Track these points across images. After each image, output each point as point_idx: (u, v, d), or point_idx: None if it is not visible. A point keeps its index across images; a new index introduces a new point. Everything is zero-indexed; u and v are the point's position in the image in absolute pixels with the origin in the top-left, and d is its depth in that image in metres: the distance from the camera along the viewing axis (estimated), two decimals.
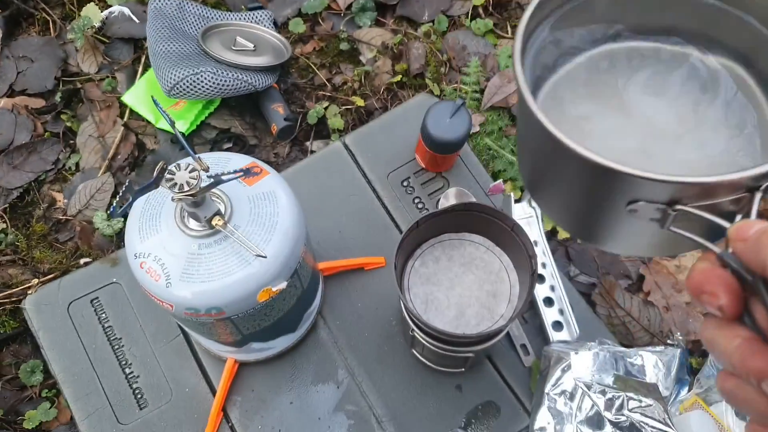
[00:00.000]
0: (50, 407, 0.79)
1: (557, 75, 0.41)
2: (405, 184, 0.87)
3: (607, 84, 0.40)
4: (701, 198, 0.29)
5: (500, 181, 0.84)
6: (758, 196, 0.29)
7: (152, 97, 0.53)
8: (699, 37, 0.39)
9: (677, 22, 0.39)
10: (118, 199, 0.45)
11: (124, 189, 0.45)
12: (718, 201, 0.29)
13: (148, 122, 0.97)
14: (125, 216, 0.57)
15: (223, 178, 0.48)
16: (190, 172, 0.49)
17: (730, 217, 0.30)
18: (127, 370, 0.77)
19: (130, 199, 0.47)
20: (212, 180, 0.49)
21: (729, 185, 0.29)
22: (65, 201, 0.92)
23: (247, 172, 0.48)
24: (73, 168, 0.95)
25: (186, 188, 0.49)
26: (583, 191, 0.35)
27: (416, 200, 0.86)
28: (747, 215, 0.29)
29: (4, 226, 0.90)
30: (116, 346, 0.78)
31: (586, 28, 0.41)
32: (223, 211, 0.55)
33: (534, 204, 0.81)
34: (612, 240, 0.38)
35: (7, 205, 0.91)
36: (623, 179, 0.30)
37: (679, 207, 0.30)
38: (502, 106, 0.96)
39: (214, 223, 0.53)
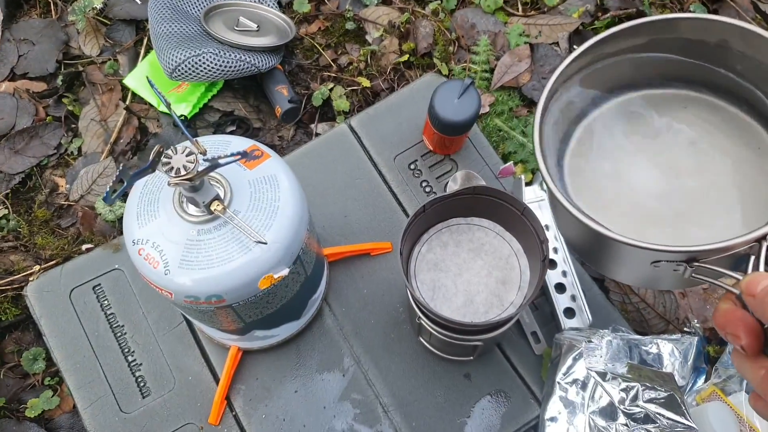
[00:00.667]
0: (53, 395, 0.78)
1: (589, 120, 0.46)
2: (412, 167, 0.85)
3: (638, 131, 0.44)
4: (715, 255, 0.34)
5: (510, 163, 0.82)
6: (765, 245, 0.33)
7: (147, 77, 0.51)
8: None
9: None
10: (112, 183, 0.43)
11: (118, 173, 0.43)
12: (731, 253, 0.34)
13: (151, 106, 0.95)
14: (124, 198, 0.55)
15: (221, 161, 0.46)
16: (187, 155, 0.47)
17: (745, 259, 0.34)
18: (130, 358, 0.76)
19: (125, 184, 0.46)
20: (210, 164, 0.47)
21: (738, 245, 0.33)
22: (67, 186, 0.91)
23: (245, 155, 0.46)
24: (75, 152, 0.94)
25: (183, 172, 0.47)
26: (612, 252, 0.40)
27: (424, 184, 0.84)
28: (756, 265, 0.33)
29: (6, 211, 0.88)
30: (118, 334, 0.77)
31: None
32: (222, 195, 0.53)
33: (545, 187, 0.79)
34: (636, 280, 0.45)
35: (8, 191, 0.90)
36: (646, 251, 0.35)
37: (696, 264, 0.34)
38: (513, 86, 0.93)
39: (213, 208, 0.51)
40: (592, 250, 0.43)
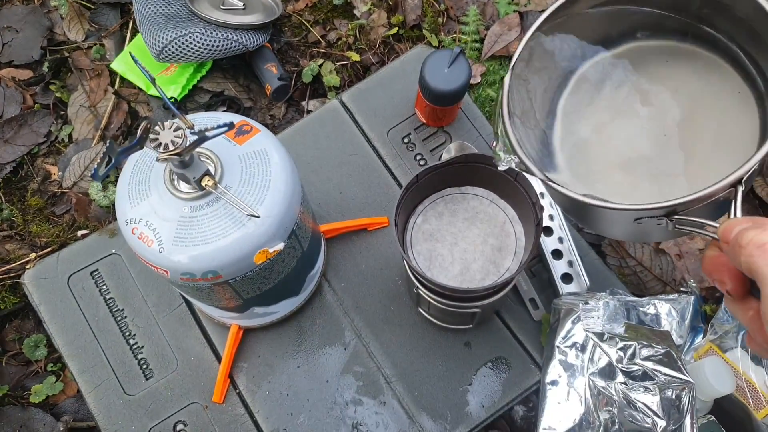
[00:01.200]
0: (56, 381, 0.78)
1: (575, 79, 0.46)
2: (406, 140, 0.84)
3: (622, 85, 0.44)
4: (694, 205, 0.34)
5: None
6: (740, 189, 0.33)
7: (130, 53, 0.51)
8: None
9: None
10: (99, 159, 0.43)
11: (105, 149, 0.43)
12: (711, 201, 0.34)
13: (140, 89, 0.94)
14: (116, 175, 0.55)
15: (208, 134, 0.46)
16: (174, 130, 0.47)
17: (726, 205, 0.34)
18: (131, 341, 0.76)
19: (113, 161, 0.45)
20: (197, 137, 0.47)
21: (712, 193, 0.33)
22: (60, 173, 0.91)
23: (231, 126, 0.46)
24: (66, 139, 0.93)
25: (171, 147, 0.47)
26: (595, 214, 0.41)
27: (418, 157, 0.84)
28: (734, 211, 0.34)
29: None
30: (119, 318, 0.77)
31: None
32: (213, 171, 0.53)
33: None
34: (626, 236, 0.47)
35: (1, 180, 0.89)
36: (626, 212, 0.36)
37: (676, 217, 0.35)
38: (503, 55, 0.92)
39: (204, 183, 0.51)
40: (578, 212, 0.43)
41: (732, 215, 0.33)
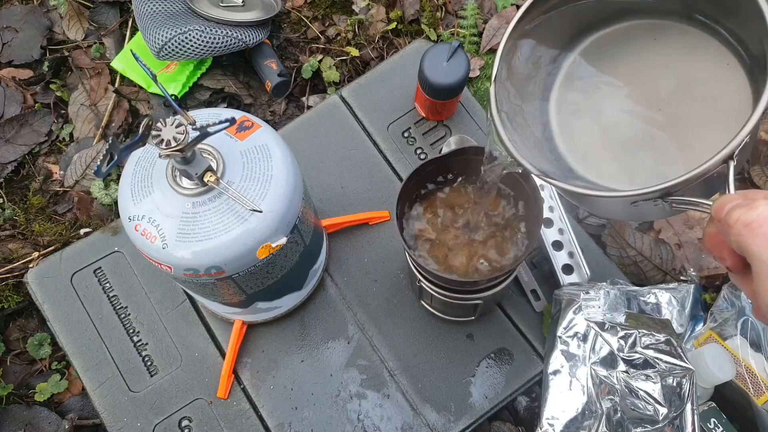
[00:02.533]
0: (61, 379, 0.79)
1: (568, 63, 0.46)
2: (406, 134, 0.85)
3: (614, 65, 0.44)
4: (687, 185, 0.34)
5: None
6: (732, 164, 0.33)
7: (131, 50, 0.51)
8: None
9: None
10: (102, 156, 0.43)
11: (108, 146, 0.43)
12: (704, 179, 0.34)
13: (140, 87, 0.95)
14: (118, 173, 0.55)
15: (210, 129, 0.46)
16: (176, 127, 0.47)
17: (721, 180, 0.34)
18: (135, 338, 0.76)
19: (115, 158, 0.46)
20: (199, 133, 0.47)
21: (704, 172, 0.33)
22: (61, 173, 0.91)
23: (233, 121, 0.46)
24: (67, 138, 0.93)
25: (173, 144, 0.47)
26: (590, 201, 0.41)
27: (418, 151, 0.84)
28: (726, 188, 0.33)
29: (1, 201, 0.89)
30: (122, 315, 0.77)
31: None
32: (215, 167, 0.53)
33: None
34: (625, 217, 0.48)
35: (2, 180, 0.90)
36: (621, 198, 0.36)
37: (670, 199, 0.35)
38: None
39: (206, 179, 0.51)
40: (577, 198, 0.44)
41: (727, 191, 0.33)
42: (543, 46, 0.44)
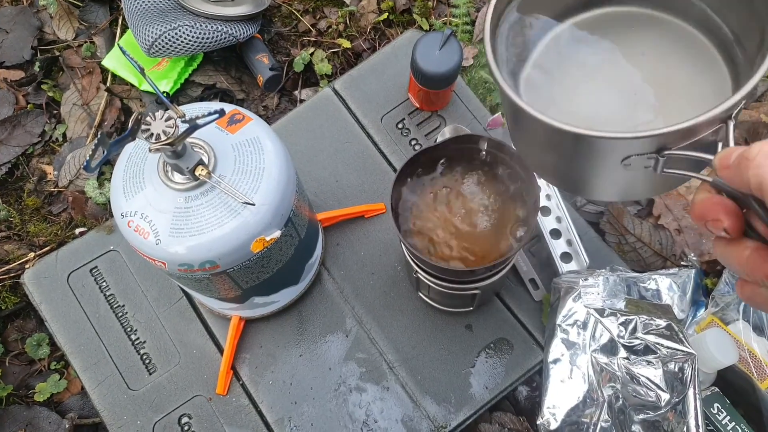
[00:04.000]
0: (60, 379, 0.78)
1: (541, 45, 0.45)
2: (400, 126, 0.84)
3: (588, 50, 0.44)
4: (685, 139, 0.33)
5: (499, 114, 0.81)
6: (731, 123, 0.32)
7: (119, 45, 0.50)
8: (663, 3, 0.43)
9: None
10: (91, 152, 0.43)
11: (97, 141, 0.43)
12: (699, 137, 0.33)
13: (132, 86, 0.94)
14: (112, 172, 0.54)
15: (199, 122, 0.46)
16: (165, 120, 0.47)
17: (713, 147, 0.33)
18: (133, 337, 0.76)
19: (105, 153, 0.45)
20: (189, 125, 0.46)
21: (706, 123, 0.32)
22: (55, 173, 0.90)
23: (222, 113, 0.45)
24: (61, 139, 0.93)
25: (163, 137, 0.46)
26: (581, 158, 0.39)
27: (413, 142, 0.84)
28: (726, 143, 0.33)
29: None
30: (120, 314, 0.77)
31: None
32: (206, 161, 0.53)
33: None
34: (609, 192, 0.42)
35: None
36: (617, 143, 0.34)
37: (666, 153, 0.34)
38: None
39: (197, 173, 0.51)
40: (559, 166, 0.42)
41: (721, 148, 0.33)
42: (528, 15, 0.44)
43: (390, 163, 0.82)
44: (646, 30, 0.43)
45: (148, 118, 0.47)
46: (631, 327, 0.62)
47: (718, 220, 0.30)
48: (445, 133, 0.82)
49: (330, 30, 0.95)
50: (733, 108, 0.32)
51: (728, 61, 0.40)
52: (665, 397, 0.59)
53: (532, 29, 0.44)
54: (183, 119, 0.47)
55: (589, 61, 0.44)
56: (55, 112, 0.95)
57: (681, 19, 0.42)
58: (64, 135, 0.93)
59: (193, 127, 0.46)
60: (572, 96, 0.43)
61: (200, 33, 0.85)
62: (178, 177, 0.52)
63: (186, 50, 0.85)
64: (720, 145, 0.33)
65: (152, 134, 0.46)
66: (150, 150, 0.47)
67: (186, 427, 0.72)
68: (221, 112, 0.45)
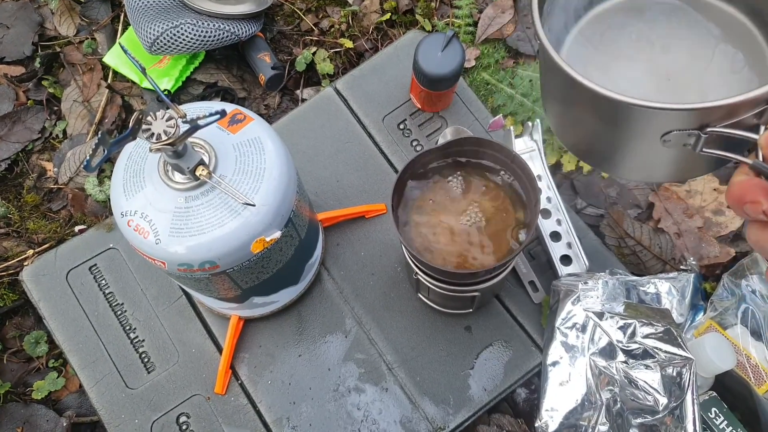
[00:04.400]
0: (58, 377, 0.78)
1: (589, 16, 0.44)
2: (401, 126, 0.84)
3: (633, 29, 0.43)
4: (728, 118, 0.32)
5: (500, 116, 0.81)
6: None
7: (119, 43, 0.50)
8: None
9: None
10: (91, 151, 0.43)
11: (97, 140, 0.43)
12: (742, 118, 0.32)
13: (133, 83, 0.94)
14: (112, 169, 0.54)
15: (200, 122, 0.46)
16: (166, 120, 0.47)
17: (755, 130, 0.32)
18: (132, 335, 0.76)
19: (105, 152, 0.45)
20: (190, 126, 0.46)
21: (751, 102, 0.31)
22: (55, 170, 0.90)
23: (223, 113, 0.45)
24: (61, 135, 0.93)
25: (164, 137, 0.46)
26: (620, 130, 0.38)
27: (414, 143, 0.83)
28: None
29: None
30: (119, 312, 0.77)
31: None
32: (207, 161, 0.53)
33: (535, 138, 0.78)
34: (638, 170, 0.42)
35: None
36: (660, 115, 0.33)
37: (709, 129, 0.33)
38: (497, 38, 0.92)
39: (198, 173, 0.51)
40: (593, 140, 0.41)
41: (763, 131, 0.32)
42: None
43: (391, 164, 0.82)
44: (690, 15, 0.43)
45: (149, 118, 0.47)
46: (629, 331, 0.62)
47: (758, 202, 0.29)
48: (447, 135, 0.82)
49: (332, 29, 0.95)
50: None
51: (765, 36, 0.40)
52: (663, 401, 0.59)
53: (570, 8, 0.44)
54: (184, 119, 0.47)
55: (632, 39, 0.43)
56: (56, 108, 0.94)
57: (727, 4, 0.42)
58: (64, 131, 0.93)
59: (194, 127, 0.46)
60: (610, 71, 0.42)
61: (202, 31, 0.84)
62: (178, 177, 0.52)
63: (188, 48, 0.85)
64: (762, 128, 0.32)
65: (153, 134, 0.46)
66: (151, 150, 0.47)
67: (184, 427, 0.72)
68: (222, 113, 0.45)
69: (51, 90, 0.94)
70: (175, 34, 0.84)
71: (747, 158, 0.31)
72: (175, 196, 0.52)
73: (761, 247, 0.31)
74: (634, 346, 0.61)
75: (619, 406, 0.61)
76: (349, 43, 0.92)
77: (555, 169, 0.84)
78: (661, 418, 0.59)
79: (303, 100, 0.92)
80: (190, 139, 0.52)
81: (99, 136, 0.43)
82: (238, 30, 0.87)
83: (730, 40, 0.41)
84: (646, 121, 0.34)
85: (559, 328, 0.66)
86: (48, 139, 0.93)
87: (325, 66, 0.92)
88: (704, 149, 0.34)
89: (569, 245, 0.75)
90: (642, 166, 0.41)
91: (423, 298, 0.73)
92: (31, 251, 0.83)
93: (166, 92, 0.89)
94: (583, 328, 0.65)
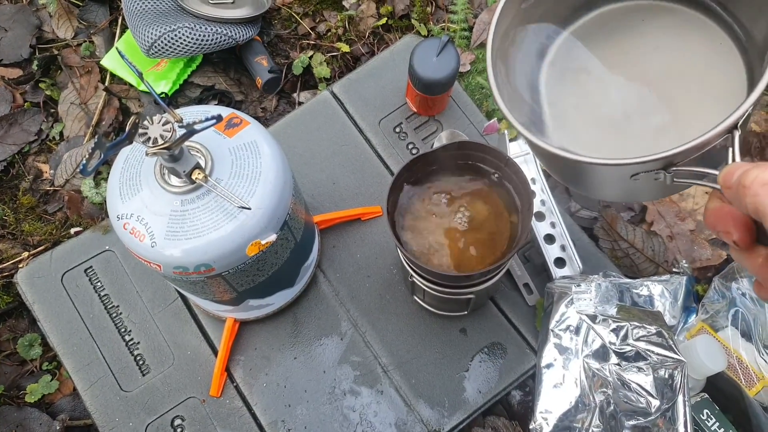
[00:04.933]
0: (51, 380, 0.78)
1: (553, 49, 0.45)
2: (397, 130, 0.85)
3: (601, 49, 0.44)
4: (692, 155, 0.33)
5: (494, 120, 0.82)
6: (737, 134, 0.32)
7: (116, 48, 0.51)
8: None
9: None
10: (88, 155, 0.43)
11: (94, 144, 0.43)
12: (707, 149, 0.33)
13: (131, 86, 0.94)
14: (109, 172, 0.55)
15: (197, 127, 0.46)
16: (163, 125, 0.47)
17: (723, 153, 0.33)
18: (127, 338, 0.76)
19: (102, 156, 0.45)
20: (186, 130, 0.47)
21: (712, 138, 0.32)
22: (51, 172, 0.90)
23: (219, 118, 0.46)
24: (57, 137, 0.93)
25: (160, 141, 0.47)
26: (592, 175, 0.40)
27: (410, 146, 0.84)
28: (733, 153, 0.33)
29: None
30: (114, 314, 0.77)
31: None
32: (203, 164, 0.53)
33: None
34: (620, 196, 0.44)
35: None
36: (623, 168, 0.35)
37: (674, 169, 0.34)
38: None
39: (194, 177, 0.51)
40: (571, 175, 0.43)
41: (731, 161, 0.32)
42: (535, 23, 0.44)
43: (387, 167, 0.83)
44: (658, 21, 0.43)
45: (145, 122, 0.47)
46: (622, 333, 0.62)
47: (728, 232, 0.30)
48: (442, 138, 0.82)
49: (329, 34, 0.95)
50: (737, 120, 0.32)
51: (742, 50, 0.40)
52: (655, 403, 0.60)
53: (540, 37, 0.45)
54: (180, 124, 0.47)
55: (603, 59, 0.44)
56: (53, 110, 0.95)
57: (693, 9, 0.42)
58: (61, 134, 0.93)
59: (191, 132, 0.46)
60: (590, 96, 0.43)
61: (200, 35, 0.85)
62: (174, 180, 0.53)
63: (185, 52, 0.85)
64: (729, 158, 0.33)
65: (149, 138, 0.47)
66: (147, 154, 0.47)
67: (179, 429, 0.72)
68: (218, 118, 0.45)
69: (48, 92, 0.95)
70: (172, 38, 0.84)
71: (717, 184, 0.32)
72: (171, 199, 0.53)
73: (742, 266, 0.32)
74: (626, 348, 0.62)
75: (612, 408, 0.62)
76: (345, 47, 0.93)
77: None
78: (654, 419, 0.60)
79: (300, 104, 0.92)
80: (186, 143, 0.52)
81: (96, 139, 0.44)
82: (236, 34, 0.87)
83: (702, 43, 0.41)
84: (611, 170, 0.36)
85: (553, 331, 0.67)
86: (44, 141, 0.93)
87: (321, 70, 0.92)
88: (675, 179, 0.35)
89: (563, 248, 0.75)
90: (623, 194, 0.42)
91: (418, 301, 0.74)
92: (26, 253, 0.83)
93: (163, 95, 0.89)
94: (577, 331, 0.65)
